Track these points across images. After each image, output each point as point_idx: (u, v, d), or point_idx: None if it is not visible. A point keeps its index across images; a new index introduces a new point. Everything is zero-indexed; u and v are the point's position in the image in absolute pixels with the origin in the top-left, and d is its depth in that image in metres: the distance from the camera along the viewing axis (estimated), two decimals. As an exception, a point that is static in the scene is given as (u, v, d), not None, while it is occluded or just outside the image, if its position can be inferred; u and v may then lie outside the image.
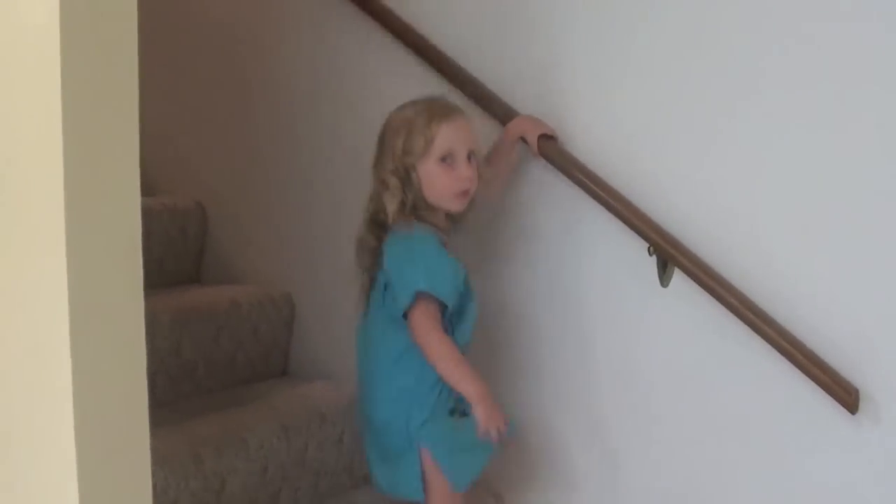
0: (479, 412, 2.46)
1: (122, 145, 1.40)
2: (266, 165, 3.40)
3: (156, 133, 3.27)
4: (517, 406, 2.85)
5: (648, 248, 2.72)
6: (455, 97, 2.87)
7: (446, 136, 2.53)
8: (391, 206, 2.54)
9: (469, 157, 2.56)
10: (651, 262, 2.73)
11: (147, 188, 2.97)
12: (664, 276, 2.73)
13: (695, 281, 2.67)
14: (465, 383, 2.48)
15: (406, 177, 2.54)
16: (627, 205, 2.73)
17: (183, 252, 3.46)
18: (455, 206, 2.58)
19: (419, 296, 2.48)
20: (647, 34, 2.77)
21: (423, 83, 2.94)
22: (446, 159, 2.53)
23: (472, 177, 2.56)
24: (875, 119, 2.54)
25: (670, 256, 2.70)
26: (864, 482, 2.63)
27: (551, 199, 2.90)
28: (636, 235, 2.72)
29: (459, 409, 2.56)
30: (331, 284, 3.27)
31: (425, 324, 2.49)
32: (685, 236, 2.71)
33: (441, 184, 2.54)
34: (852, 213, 2.58)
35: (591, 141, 2.83)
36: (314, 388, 3.18)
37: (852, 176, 2.57)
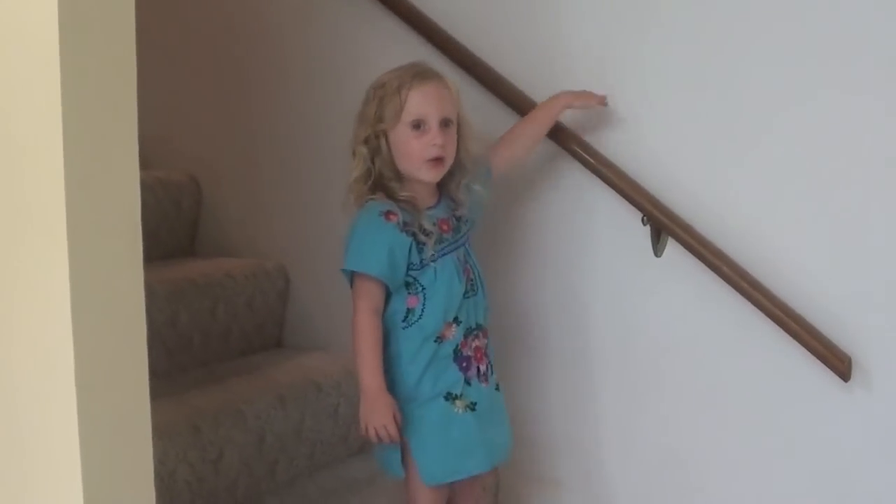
0: (361, 407, 2.43)
1: (121, 120, 1.40)
2: (259, 138, 3.39)
3: (150, 107, 3.27)
4: (512, 372, 2.86)
5: (642, 218, 2.72)
6: (458, 77, 2.86)
7: (417, 102, 2.44)
8: (353, 173, 2.49)
9: (445, 124, 2.46)
10: (645, 232, 2.74)
11: (141, 162, 2.97)
12: (658, 246, 2.74)
13: (688, 250, 2.68)
14: (363, 373, 2.42)
15: (377, 145, 2.47)
16: (621, 175, 2.74)
17: (177, 225, 3.46)
18: (427, 175, 2.48)
19: (354, 274, 2.46)
20: (649, 10, 2.78)
21: (419, 55, 2.94)
22: (419, 126, 2.44)
23: (445, 144, 2.45)
24: (870, 92, 2.56)
25: (664, 226, 2.71)
26: (856, 448, 2.66)
27: (546, 168, 2.91)
28: (630, 205, 2.73)
29: (467, 402, 2.50)
30: (325, 255, 3.27)
31: (355, 303, 2.45)
32: (679, 206, 2.72)
33: (411, 150, 2.45)
34: (845, 184, 2.60)
35: (587, 112, 2.83)
36: (310, 359, 3.19)
37: (846, 147, 2.59)
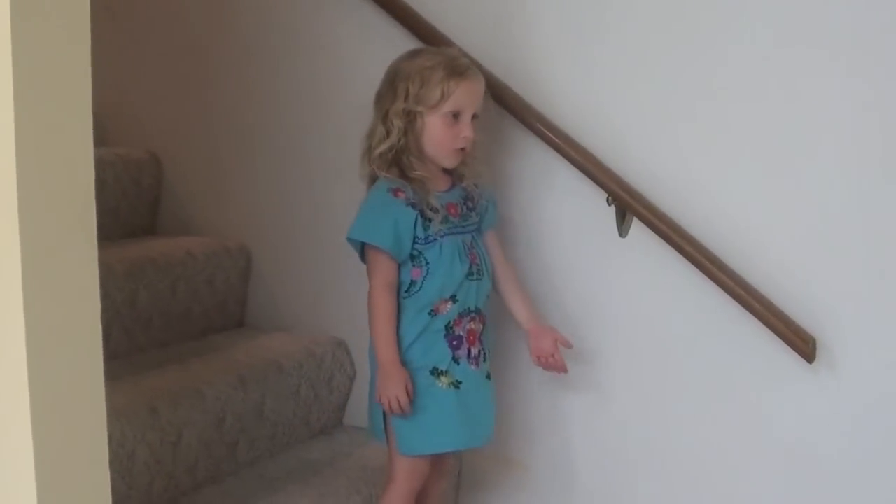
0: (377, 380, 2.51)
1: (75, 94, 1.37)
2: (221, 115, 3.36)
3: (110, 84, 3.23)
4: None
5: (607, 198, 2.71)
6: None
7: (460, 95, 2.52)
8: (382, 145, 2.54)
9: (474, 117, 2.56)
10: (610, 213, 2.73)
11: (101, 139, 2.91)
12: (622, 226, 2.74)
13: (653, 230, 2.68)
14: (378, 346, 2.51)
15: (412, 123, 2.54)
16: (586, 154, 2.73)
17: (137, 203, 3.41)
18: (448, 161, 2.58)
19: (366, 249, 2.53)
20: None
21: (384, 35, 2.91)
22: (455, 116, 2.53)
23: (471, 137, 2.55)
24: (833, 80, 2.57)
25: (629, 206, 2.70)
26: (821, 429, 2.67)
27: (511, 149, 2.89)
28: (595, 185, 2.72)
29: (452, 379, 2.54)
30: (287, 234, 3.25)
31: (370, 278, 2.53)
32: (644, 187, 2.72)
33: (442, 138, 2.54)
34: (810, 166, 2.61)
35: (553, 92, 2.82)
36: (271, 340, 3.16)
37: (810, 129, 2.60)
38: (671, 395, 2.83)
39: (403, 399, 2.46)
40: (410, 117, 2.53)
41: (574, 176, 2.76)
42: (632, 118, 2.77)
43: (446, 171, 2.63)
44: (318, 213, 3.14)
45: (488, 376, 2.66)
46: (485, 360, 2.64)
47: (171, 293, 3.05)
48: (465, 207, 2.63)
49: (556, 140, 2.75)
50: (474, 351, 2.60)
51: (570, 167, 2.75)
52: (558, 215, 2.87)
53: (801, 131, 2.60)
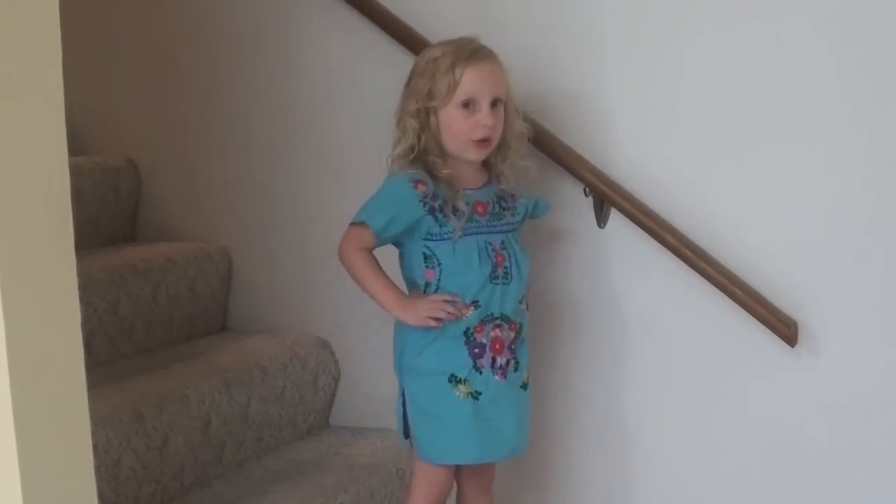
0: (404, 317, 2.45)
1: (47, 102, 1.37)
2: (198, 120, 3.35)
3: (87, 92, 3.23)
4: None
5: (584, 189, 2.72)
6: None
7: (469, 81, 2.41)
8: (398, 148, 2.47)
9: (495, 104, 2.44)
10: (588, 203, 2.73)
11: (78, 148, 2.91)
12: (601, 217, 2.74)
13: (632, 221, 2.69)
14: (379, 297, 2.46)
15: (426, 121, 2.44)
16: (563, 146, 2.73)
17: (116, 210, 3.40)
18: (473, 154, 2.47)
19: (352, 225, 2.46)
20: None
21: (360, 37, 2.91)
22: (468, 105, 2.42)
23: (494, 125, 2.43)
24: (812, 65, 2.60)
25: (606, 197, 2.70)
26: (804, 412, 2.69)
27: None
28: (572, 176, 2.73)
29: (471, 389, 2.45)
30: (268, 237, 3.25)
31: (344, 244, 2.46)
32: (622, 177, 2.72)
33: (459, 130, 2.43)
34: (787, 152, 2.63)
35: (529, 83, 2.82)
36: (254, 342, 3.16)
37: (788, 116, 2.61)
38: (653, 381, 2.83)
39: (434, 307, 2.42)
40: (425, 115, 2.44)
41: (550, 166, 2.77)
42: (610, 108, 2.78)
43: (484, 165, 2.55)
44: (297, 215, 3.14)
45: (523, 386, 2.56)
46: (516, 371, 2.52)
47: (153, 299, 3.05)
48: (497, 206, 2.52)
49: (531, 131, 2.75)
50: (500, 360, 2.49)
51: (545, 158, 2.75)
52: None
53: (780, 117, 2.63)
